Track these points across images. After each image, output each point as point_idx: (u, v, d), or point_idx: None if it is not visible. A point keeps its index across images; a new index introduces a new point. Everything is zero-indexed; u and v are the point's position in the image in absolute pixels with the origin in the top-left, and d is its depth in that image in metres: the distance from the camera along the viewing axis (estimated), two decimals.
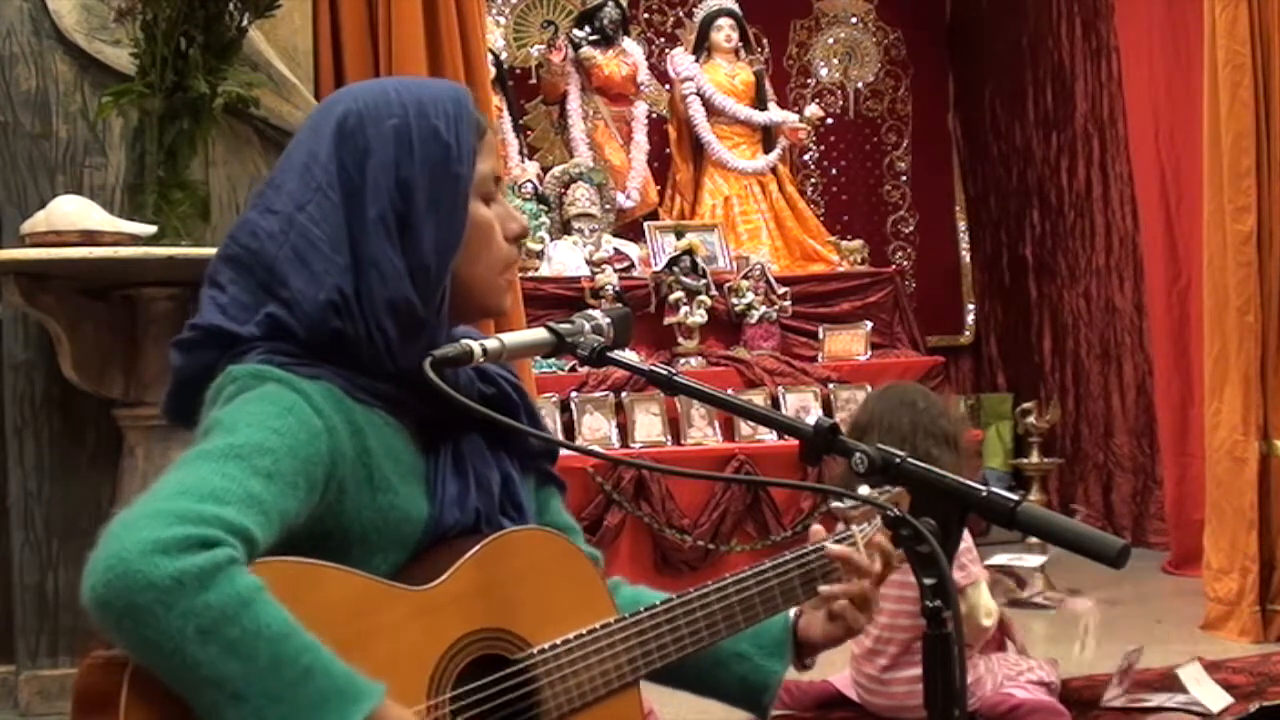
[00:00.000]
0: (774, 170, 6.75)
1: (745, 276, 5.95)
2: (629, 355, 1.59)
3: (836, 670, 3.23)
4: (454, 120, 1.42)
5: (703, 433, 5.32)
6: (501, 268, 1.49)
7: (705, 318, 5.79)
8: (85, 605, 1.14)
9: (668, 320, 5.76)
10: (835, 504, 1.60)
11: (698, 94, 6.66)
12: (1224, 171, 4.22)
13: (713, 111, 6.68)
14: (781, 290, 5.98)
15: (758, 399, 5.30)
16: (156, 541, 1.14)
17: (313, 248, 1.37)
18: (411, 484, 1.41)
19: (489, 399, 1.51)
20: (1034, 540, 3.59)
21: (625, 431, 5.26)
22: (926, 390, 3.28)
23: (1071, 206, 6.84)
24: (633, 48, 6.81)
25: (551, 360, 4.54)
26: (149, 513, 1.17)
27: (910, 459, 1.33)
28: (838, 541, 1.59)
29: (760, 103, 6.78)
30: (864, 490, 1.48)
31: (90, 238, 3.11)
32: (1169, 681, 3.47)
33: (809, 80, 7.66)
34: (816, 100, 7.40)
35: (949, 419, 3.07)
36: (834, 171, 7.64)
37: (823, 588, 1.56)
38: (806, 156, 7.54)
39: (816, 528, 1.62)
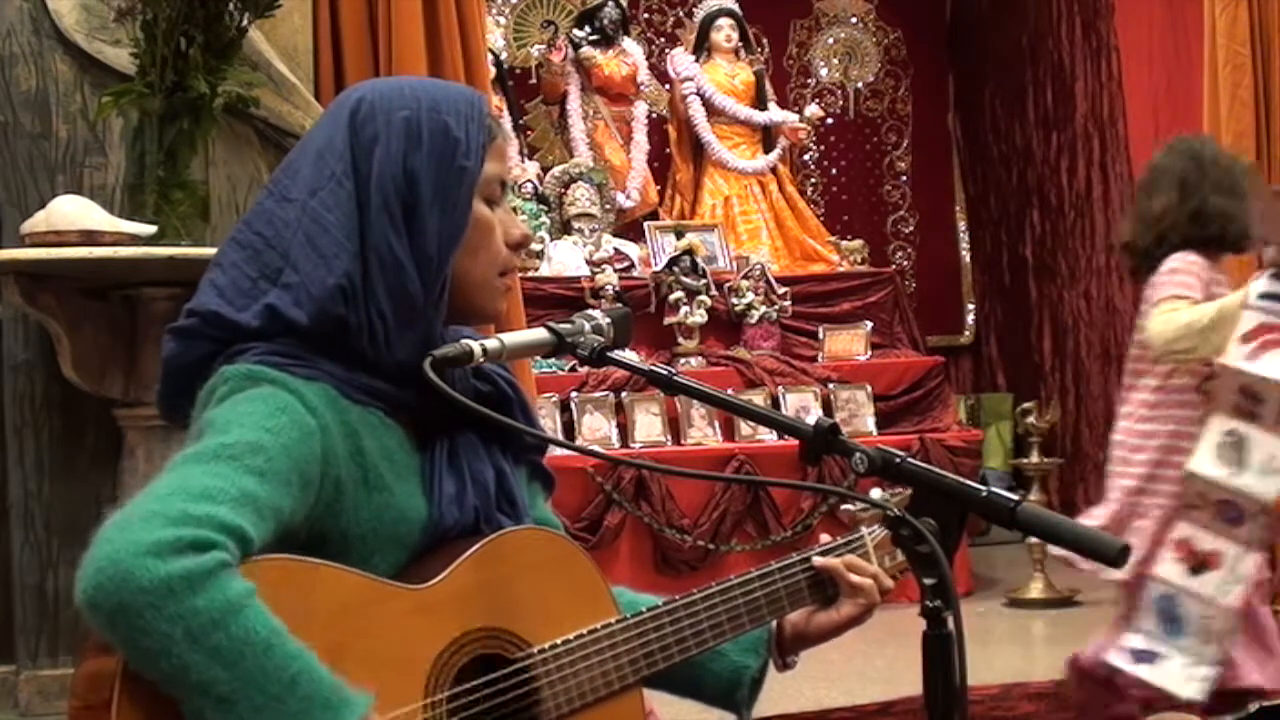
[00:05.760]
0: (774, 170, 6.75)
1: (745, 276, 5.95)
2: (629, 355, 1.59)
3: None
4: (465, 119, 1.44)
5: (703, 433, 5.32)
6: (499, 269, 1.49)
7: (705, 318, 5.79)
8: (78, 605, 1.15)
9: (668, 320, 5.76)
10: (845, 506, 1.59)
11: (698, 94, 6.66)
12: None
13: (713, 111, 6.67)
14: (781, 290, 5.98)
15: (758, 399, 5.30)
16: (149, 544, 1.14)
17: (325, 233, 1.39)
18: (407, 483, 1.41)
19: (485, 396, 1.51)
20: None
21: (625, 431, 5.26)
22: (1210, 139, 3.18)
23: (1071, 206, 6.83)
24: (633, 48, 6.81)
25: (551, 360, 4.54)
26: (142, 514, 1.17)
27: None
28: (847, 544, 1.59)
29: (760, 103, 6.77)
30: (875, 491, 1.48)
31: (90, 238, 3.10)
32: None
33: (809, 80, 7.66)
34: (816, 100, 7.40)
35: (1238, 169, 2.97)
36: (834, 171, 7.64)
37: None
38: (806, 156, 7.54)
39: (825, 536, 1.61)
